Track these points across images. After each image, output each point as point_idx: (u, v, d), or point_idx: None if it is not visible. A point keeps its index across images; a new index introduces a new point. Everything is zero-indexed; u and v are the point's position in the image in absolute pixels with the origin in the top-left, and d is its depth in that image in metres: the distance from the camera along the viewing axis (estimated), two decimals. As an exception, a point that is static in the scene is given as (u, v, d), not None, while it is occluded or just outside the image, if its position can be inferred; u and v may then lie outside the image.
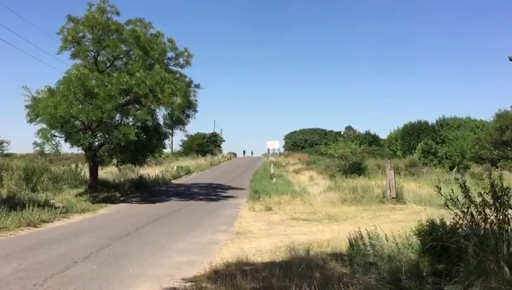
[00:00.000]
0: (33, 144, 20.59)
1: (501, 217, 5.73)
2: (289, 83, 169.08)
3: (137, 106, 22.68)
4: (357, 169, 34.02)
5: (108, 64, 23.59)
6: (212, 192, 26.85)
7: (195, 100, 25.39)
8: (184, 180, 36.61)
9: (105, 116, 20.00)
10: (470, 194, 5.91)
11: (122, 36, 22.38)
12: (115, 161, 24.91)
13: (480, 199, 5.82)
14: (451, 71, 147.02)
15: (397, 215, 15.44)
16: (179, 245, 11.31)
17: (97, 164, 24.02)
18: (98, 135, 22.13)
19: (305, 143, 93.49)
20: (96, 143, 22.73)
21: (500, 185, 5.85)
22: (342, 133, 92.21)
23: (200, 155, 62.98)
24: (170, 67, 24.56)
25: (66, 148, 25.69)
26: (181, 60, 24.84)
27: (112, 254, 10.07)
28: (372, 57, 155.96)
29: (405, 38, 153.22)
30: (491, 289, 5.09)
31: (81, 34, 21.98)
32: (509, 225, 5.78)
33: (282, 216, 16.62)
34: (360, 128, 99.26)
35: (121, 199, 22.91)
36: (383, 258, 7.14)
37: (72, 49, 22.18)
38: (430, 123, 61.46)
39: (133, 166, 27.64)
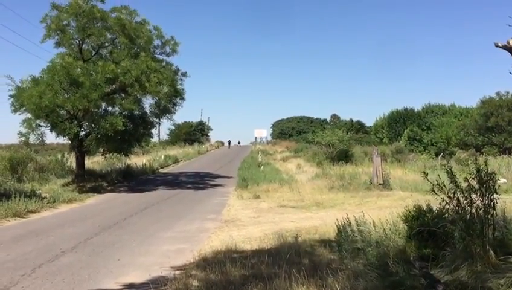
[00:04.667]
0: (18, 134, 20.31)
1: (486, 201, 5.83)
2: (275, 72, 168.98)
3: (123, 95, 22.41)
4: (344, 156, 34.19)
5: (94, 53, 23.30)
6: (200, 180, 26.81)
7: (182, 89, 25.26)
8: (172, 169, 36.46)
9: (92, 106, 19.79)
10: (456, 179, 5.99)
11: (107, 24, 22.06)
12: (101, 150, 24.67)
13: (466, 184, 5.90)
14: (436, 59, 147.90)
15: (384, 202, 15.62)
16: (167, 234, 11.31)
17: (83, 154, 23.78)
18: (84, 124, 21.92)
19: (292, 131, 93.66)
20: (83, 133, 22.53)
21: (486, 170, 5.94)
22: (328, 120, 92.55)
23: (187, 144, 62.77)
24: (156, 55, 24.33)
25: (51, 138, 25.45)
26: (167, 49, 24.63)
27: (101, 244, 10.04)
28: (358, 47, 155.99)
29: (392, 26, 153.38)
30: (476, 273, 5.19)
31: (65, 22, 21.65)
32: (494, 209, 5.89)
33: (271, 204, 16.69)
34: (345, 116, 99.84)
35: (109, 188, 22.78)
36: (371, 243, 7.23)
37: (56, 37, 21.86)
38: (415, 110, 61.84)
39: (120, 155, 27.46)
